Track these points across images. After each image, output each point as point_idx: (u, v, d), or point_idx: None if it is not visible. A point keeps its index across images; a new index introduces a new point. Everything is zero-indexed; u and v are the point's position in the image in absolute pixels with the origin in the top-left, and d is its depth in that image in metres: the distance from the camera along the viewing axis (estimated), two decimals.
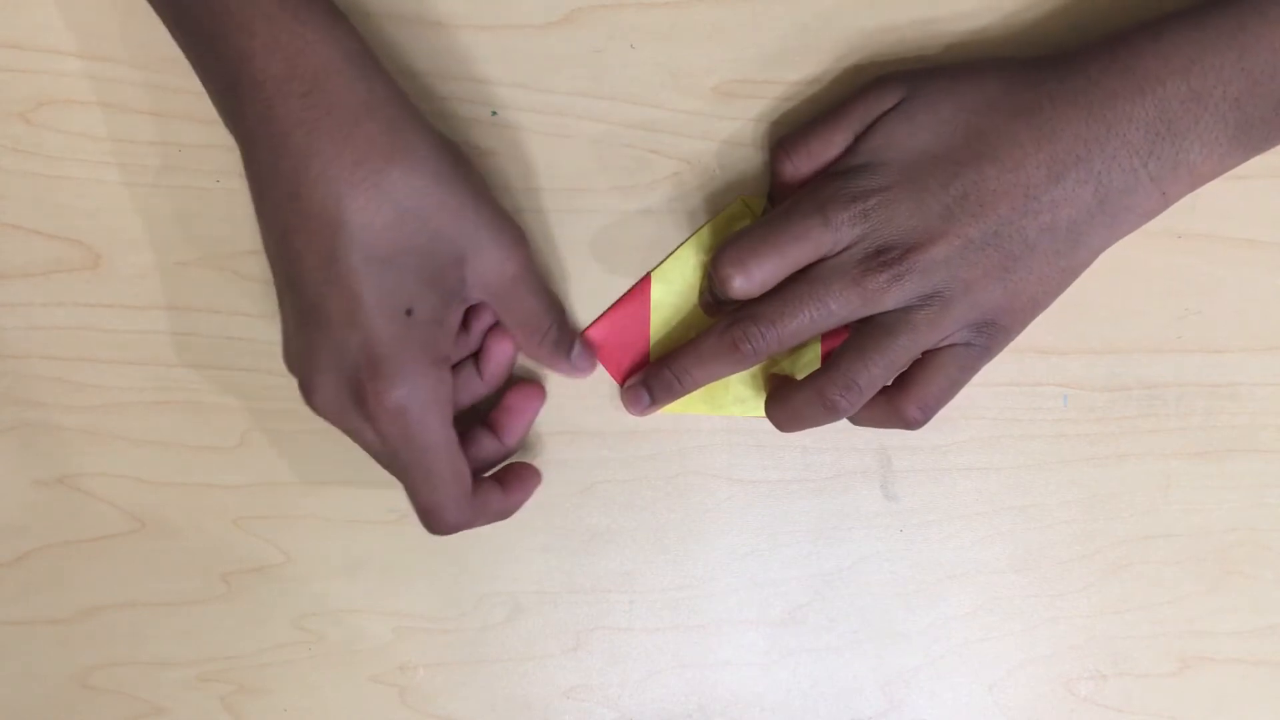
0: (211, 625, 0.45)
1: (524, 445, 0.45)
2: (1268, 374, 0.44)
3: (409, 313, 0.36)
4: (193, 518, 0.45)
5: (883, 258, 0.37)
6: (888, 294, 0.38)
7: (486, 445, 0.43)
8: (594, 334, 0.44)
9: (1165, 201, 0.37)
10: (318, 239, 0.35)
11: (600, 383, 0.44)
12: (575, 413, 0.45)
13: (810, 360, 0.43)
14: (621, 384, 0.44)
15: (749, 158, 0.43)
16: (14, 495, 0.45)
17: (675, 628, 0.46)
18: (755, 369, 0.44)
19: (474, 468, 0.40)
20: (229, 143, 0.43)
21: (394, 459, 0.38)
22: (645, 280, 0.43)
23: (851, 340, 0.39)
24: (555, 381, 0.44)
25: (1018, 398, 0.44)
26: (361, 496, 0.45)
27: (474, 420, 0.43)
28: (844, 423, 0.44)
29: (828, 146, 0.39)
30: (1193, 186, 0.37)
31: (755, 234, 0.38)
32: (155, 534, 0.45)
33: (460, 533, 0.45)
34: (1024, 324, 0.39)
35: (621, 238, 0.44)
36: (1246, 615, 0.46)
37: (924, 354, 0.40)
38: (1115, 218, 0.37)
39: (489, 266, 0.38)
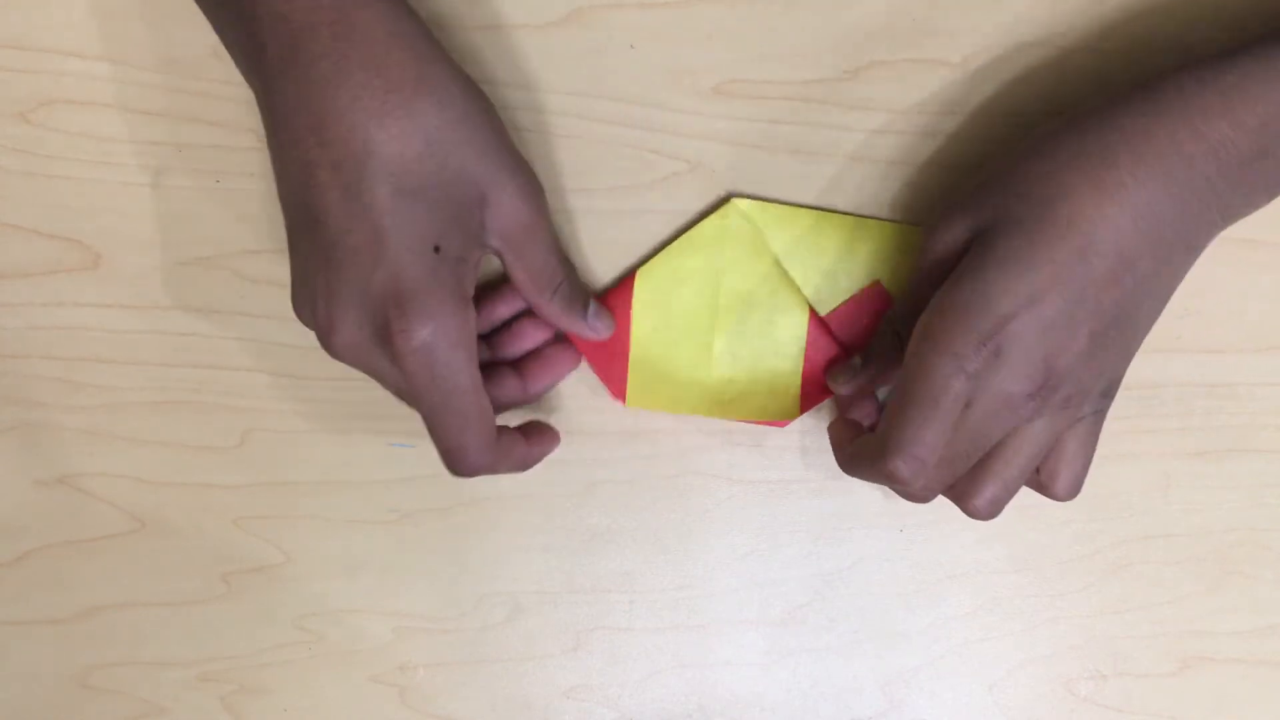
0: (211, 625, 0.45)
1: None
2: (1267, 374, 0.44)
3: (436, 249, 0.35)
4: (193, 518, 0.45)
5: (1027, 387, 0.36)
6: (1038, 414, 0.37)
7: (510, 387, 0.42)
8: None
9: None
10: (344, 170, 0.34)
11: (599, 383, 0.44)
12: (575, 413, 0.45)
13: (790, 368, 0.44)
14: (602, 379, 0.44)
15: (749, 158, 0.43)
16: (14, 495, 0.45)
17: (675, 628, 0.46)
18: (741, 371, 0.44)
19: (495, 406, 0.39)
20: (229, 143, 0.43)
21: (419, 399, 0.37)
22: (629, 279, 0.43)
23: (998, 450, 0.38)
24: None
25: None
26: (361, 496, 0.45)
27: (501, 365, 0.43)
28: None
29: (918, 297, 0.39)
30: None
31: (907, 421, 0.36)
32: (155, 534, 0.45)
33: (460, 532, 0.45)
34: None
35: (621, 238, 0.44)
36: (1246, 615, 0.46)
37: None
38: (1197, 255, 0.38)
39: (507, 210, 0.38)
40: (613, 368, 0.44)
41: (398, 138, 0.34)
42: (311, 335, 0.44)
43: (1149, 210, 0.35)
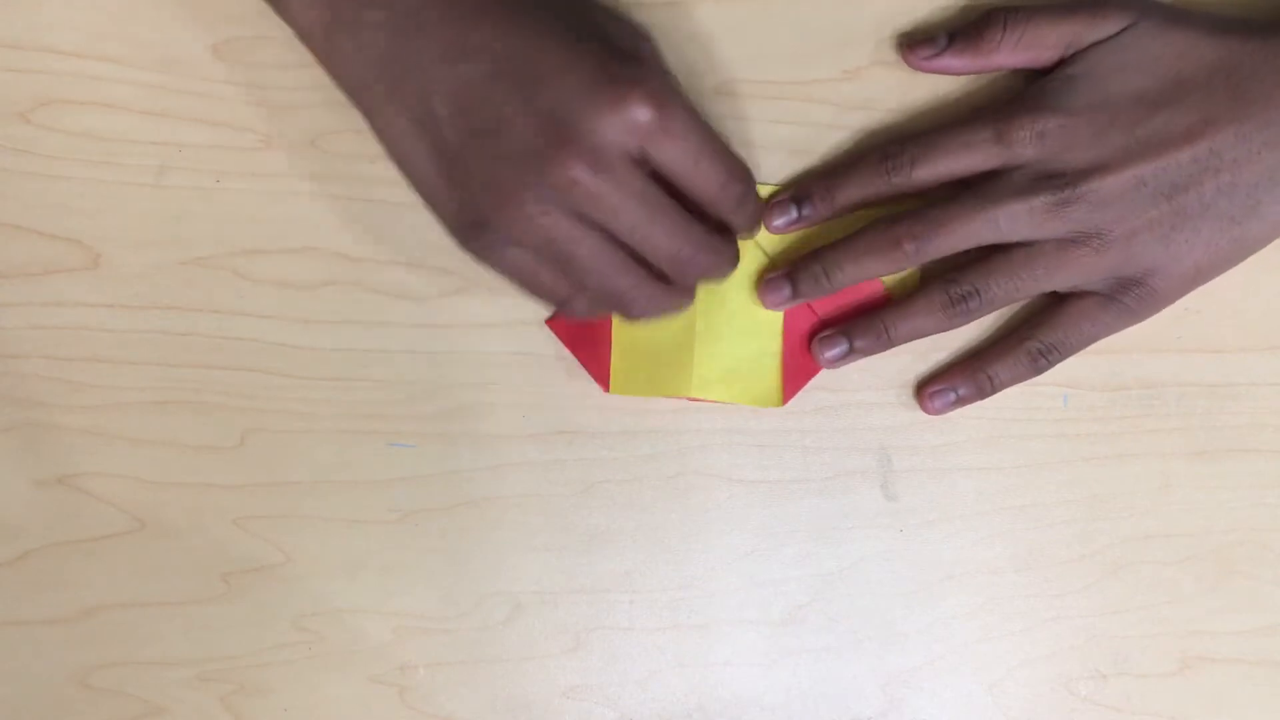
0: (211, 625, 0.45)
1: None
2: (1268, 374, 0.44)
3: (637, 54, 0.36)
4: (193, 518, 0.45)
5: (1055, 182, 0.37)
6: (1055, 220, 0.38)
7: None
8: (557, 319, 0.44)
9: None
10: (529, 32, 0.34)
11: (596, 381, 0.44)
12: (575, 413, 0.45)
13: (769, 336, 0.44)
14: (586, 367, 0.44)
15: (749, 157, 0.43)
16: (14, 495, 0.45)
17: (675, 628, 0.46)
18: (723, 349, 0.44)
19: None
20: (229, 143, 0.43)
21: (693, 167, 0.36)
22: None
23: (983, 258, 0.39)
24: (555, 382, 0.44)
25: (1017, 397, 0.44)
26: (361, 496, 0.45)
27: None
28: (844, 422, 0.45)
29: (1039, 44, 0.39)
30: None
31: (927, 134, 0.39)
32: (155, 534, 0.45)
33: (460, 532, 0.45)
34: (1179, 293, 0.40)
35: None
36: (1246, 615, 0.46)
37: (1060, 299, 0.40)
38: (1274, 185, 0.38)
39: None
40: (596, 355, 0.44)
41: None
42: (310, 335, 0.44)
43: (1251, 102, 0.36)
